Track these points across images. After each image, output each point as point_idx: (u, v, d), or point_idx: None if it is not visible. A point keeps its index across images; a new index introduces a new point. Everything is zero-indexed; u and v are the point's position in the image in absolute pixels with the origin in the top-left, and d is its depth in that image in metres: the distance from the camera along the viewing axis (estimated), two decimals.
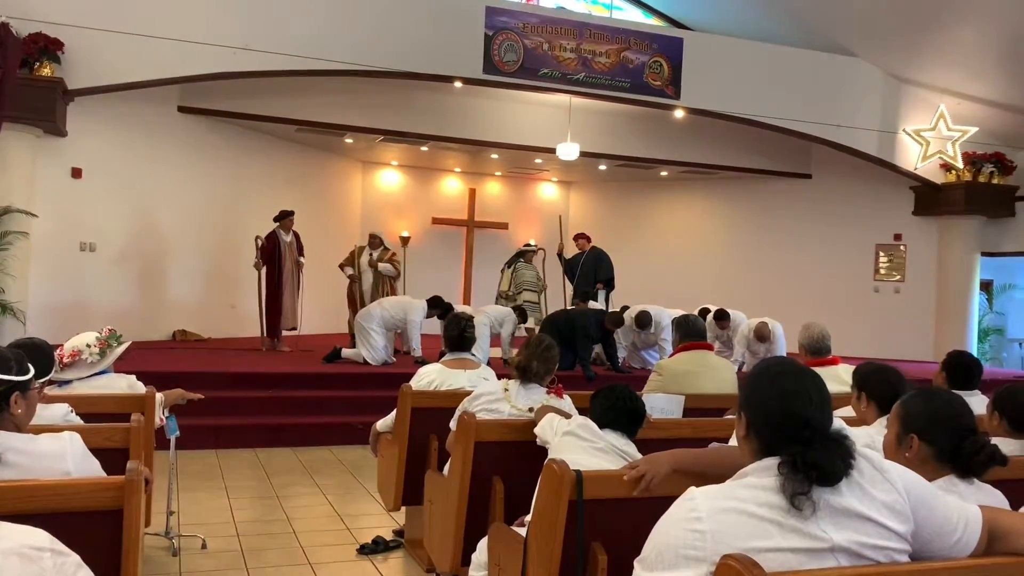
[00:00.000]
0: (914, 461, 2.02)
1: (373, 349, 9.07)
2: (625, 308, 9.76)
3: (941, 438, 2.04)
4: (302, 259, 10.16)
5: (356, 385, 8.34)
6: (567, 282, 11.36)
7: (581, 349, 8.91)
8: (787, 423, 1.63)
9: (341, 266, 10.26)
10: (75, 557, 1.52)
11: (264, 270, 9.87)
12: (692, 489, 1.62)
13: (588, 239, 11.12)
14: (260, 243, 9.80)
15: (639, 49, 10.71)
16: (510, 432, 3.38)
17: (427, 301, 9.29)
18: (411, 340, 9.32)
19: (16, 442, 2.13)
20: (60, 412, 2.92)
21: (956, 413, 2.07)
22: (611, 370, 9.31)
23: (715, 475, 2.39)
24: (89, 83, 8.53)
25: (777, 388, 1.69)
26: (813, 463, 1.54)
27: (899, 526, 1.59)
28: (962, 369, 3.90)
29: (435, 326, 9.44)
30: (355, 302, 10.09)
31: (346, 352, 9.20)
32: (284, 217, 9.98)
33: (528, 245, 11.59)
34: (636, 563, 1.63)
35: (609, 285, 10.95)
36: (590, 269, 10.90)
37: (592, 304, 10.02)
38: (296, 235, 10.12)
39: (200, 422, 6.63)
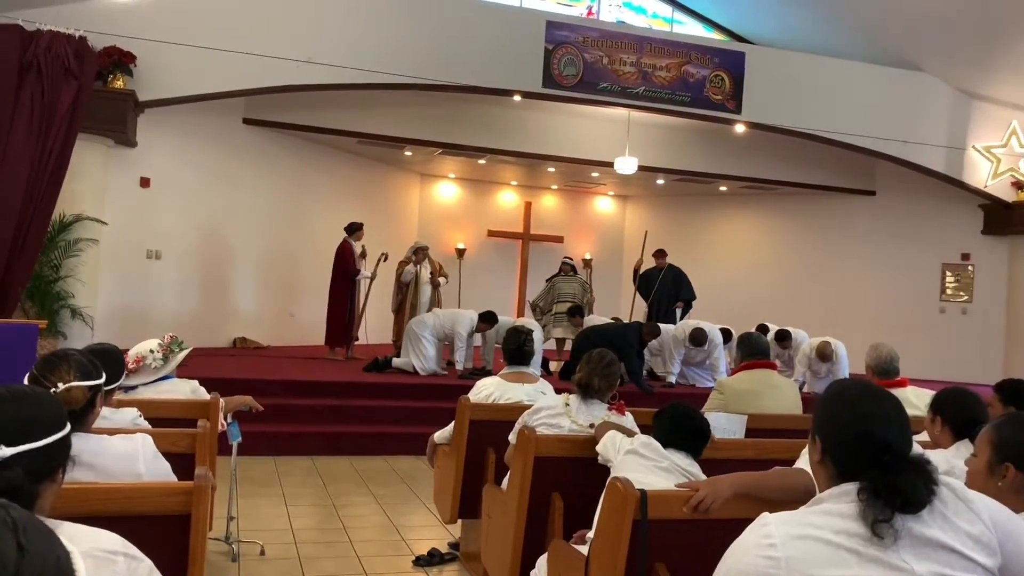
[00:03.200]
0: (1006, 491, 1.92)
1: (424, 358, 9.10)
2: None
3: None
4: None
5: (410, 395, 8.37)
6: (637, 297, 11.21)
7: (630, 364, 8.60)
8: (865, 446, 1.57)
9: (401, 263, 9.97)
10: (148, 562, 1.52)
11: (335, 281, 9.99)
12: (765, 515, 1.58)
13: (666, 256, 11.02)
14: (383, 258, 10.13)
15: (700, 63, 10.62)
16: (570, 448, 3.34)
17: (480, 315, 9.28)
18: (457, 351, 9.31)
19: (92, 444, 2.19)
20: (129, 416, 2.97)
21: None
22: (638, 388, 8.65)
23: (779, 499, 2.33)
24: (159, 95, 8.76)
25: (855, 410, 1.64)
26: (896, 488, 1.48)
27: (985, 559, 1.52)
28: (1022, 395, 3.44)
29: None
30: (404, 313, 9.91)
31: (396, 361, 9.26)
32: (358, 229, 10.11)
33: (566, 259, 11.35)
34: None
35: (690, 305, 10.87)
36: (669, 287, 10.81)
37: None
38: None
39: (258, 429, 6.72)
